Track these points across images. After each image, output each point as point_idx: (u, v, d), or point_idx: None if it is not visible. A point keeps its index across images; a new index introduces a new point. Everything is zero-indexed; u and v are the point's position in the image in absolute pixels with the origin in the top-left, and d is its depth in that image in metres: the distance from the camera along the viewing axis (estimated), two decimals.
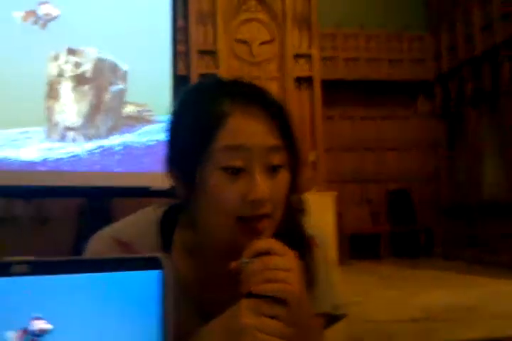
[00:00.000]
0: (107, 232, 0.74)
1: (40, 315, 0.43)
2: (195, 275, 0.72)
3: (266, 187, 0.63)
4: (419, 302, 3.61)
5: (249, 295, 0.59)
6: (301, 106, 6.55)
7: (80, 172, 3.19)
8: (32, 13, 3.22)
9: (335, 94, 7.04)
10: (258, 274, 0.59)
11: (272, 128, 0.66)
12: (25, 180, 2.99)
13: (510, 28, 5.86)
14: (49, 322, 0.43)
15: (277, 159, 0.65)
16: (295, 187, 0.70)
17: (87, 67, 3.42)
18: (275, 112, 0.67)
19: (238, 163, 0.64)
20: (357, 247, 6.51)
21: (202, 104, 0.68)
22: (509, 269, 5.11)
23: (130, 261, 0.46)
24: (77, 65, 3.39)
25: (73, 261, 0.45)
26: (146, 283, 0.45)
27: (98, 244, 0.73)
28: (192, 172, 0.65)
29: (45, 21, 3.25)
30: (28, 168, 3.05)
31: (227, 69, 6.40)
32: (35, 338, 0.42)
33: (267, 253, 0.60)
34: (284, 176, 0.66)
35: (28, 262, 0.44)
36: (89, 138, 3.33)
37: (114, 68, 3.49)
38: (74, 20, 3.35)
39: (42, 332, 0.42)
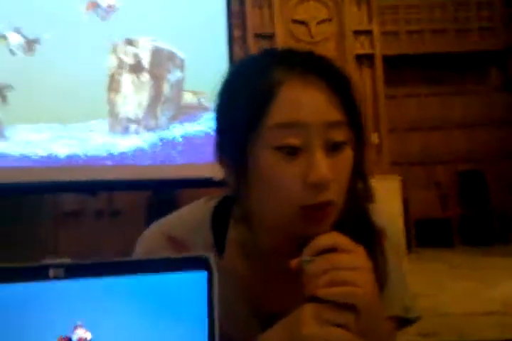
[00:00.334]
0: (158, 228, 0.68)
1: (80, 323, 0.41)
2: (252, 275, 0.65)
3: (327, 167, 0.56)
4: (495, 294, 3.43)
5: (313, 299, 0.51)
6: (362, 86, 6.34)
7: (144, 165, 3.22)
8: (94, 3, 3.24)
9: (398, 71, 6.74)
10: (322, 275, 0.51)
11: (334, 101, 0.58)
12: (92, 175, 3.04)
13: None
14: (89, 329, 0.41)
15: (339, 135, 0.58)
16: (360, 169, 0.61)
17: (145, 57, 3.40)
18: (337, 82, 0.59)
19: (294, 141, 0.56)
20: (425, 234, 6.26)
21: (251, 75, 0.58)
22: None
23: (175, 262, 0.43)
24: (136, 55, 3.38)
25: (113, 263, 0.43)
26: (193, 284, 0.42)
27: (148, 243, 0.67)
28: (242, 154, 0.57)
29: (106, 13, 3.25)
30: (94, 162, 3.10)
31: None
32: None
33: (332, 249, 0.52)
34: (347, 154, 0.59)
35: (64, 265, 0.41)
36: (150, 129, 3.34)
37: (171, 57, 3.46)
38: (129, 11, 3.34)
39: None
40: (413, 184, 6.61)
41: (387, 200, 5.09)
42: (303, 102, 0.56)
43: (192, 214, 0.68)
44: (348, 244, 0.53)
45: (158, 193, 3.52)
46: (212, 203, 0.68)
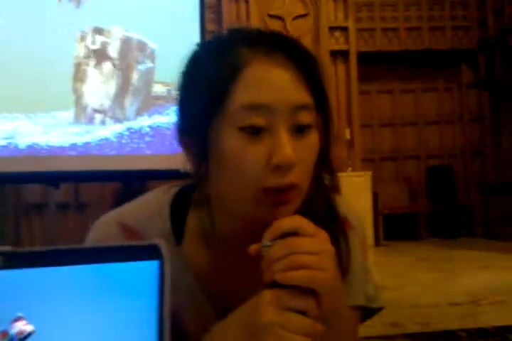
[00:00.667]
0: (112, 217, 0.65)
1: (21, 315, 0.38)
2: (210, 263, 0.63)
3: (292, 149, 0.53)
4: (460, 285, 3.48)
5: (273, 285, 0.49)
6: (336, 82, 6.36)
7: (110, 155, 3.16)
8: None
9: (372, 67, 6.78)
10: (282, 259, 0.48)
11: (301, 82, 0.55)
12: (56, 166, 2.98)
13: None
14: (32, 322, 0.38)
15: (305, 118, 0.55)
16: (325, 154, 0.59)
17: (114, 47, 3.35)
18: (305, 63, 0.56)
19: (259, 122, 0.54)
20: (394, 227, 6.34)
21: (216, 54, 0.56)
22: None
23: (124, 250, 0.41)
24: (104, 44, 3.33)
25: (58, 252, 0.40)
26: (143, 274, 0.40)
27: (101, 231, 0.64)
28: (205, 135, 0.55)
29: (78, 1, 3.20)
30: (58, 153, 3.04)
31: None
32: (17, 337, 0.38)
33: (293, 233, 0.50)
34: (313, 138, 0.56)
35: (4, 254, 0.38)
36: (117, 120, 3.29)
37: (142, 47, 3.42)
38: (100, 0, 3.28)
39: (21, 335, 0.37)
40: (383, 179, 6.67)
41: (358, 195, 5.13)
42: (268, 83, 0.54)
43: (149, 203, 0.66)
44: (310, 228, 0.51)
45: (126, 185, 3.46)
46: (172, 192, 0.66)
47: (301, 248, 0.49)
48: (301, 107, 0.55)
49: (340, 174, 0.65)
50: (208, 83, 0.55)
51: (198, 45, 0.60)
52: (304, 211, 0.56)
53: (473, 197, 6.85)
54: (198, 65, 0.58)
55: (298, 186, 0.55)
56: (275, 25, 6.48)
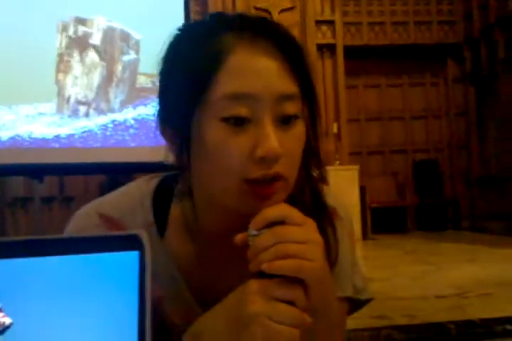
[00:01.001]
0: (92, 207, 0.63)
1: (0, 306, 0.37)
2: (194, 254, 0.61)
3: (278, 141, 0.51)
4: (448, 278, 3.50)
5: (259, 274, 0.47)
6: (323, 76, 6.36)
7: (94, 148, 3.12)
8: None
9: (359, 61, 6.79)
10: (269, 249, 0.47)
11: (286, 71, 0.53)
12: (39, 158, 2.92)
13: None
14: (9, 314, 0.37)
15: (292, 108, 0.53)
16: (313, 144, 0.57)
17: (97, 37, 3.29)
18: (291, 51, 0.54)
19: (243, 112, 0.51)
20: (382, 221, 6.38)
21: (198, 40, 0.53)
22: None
23: (104, 241, 0.40)
24: (87, 34, 3.26)
25: (37, 242, 0.39)
26: (123, 265, 0.39)
27: (81, 221, 0.62)
28: (187, 125, 0.53)
29: None
30: (41, 145, 2.98)
31: None
32: None
33: (280, 222, 0.48)
34: (299, 128, 0.54)
35: None
36: (102, 112, 3.24)
37: (125, 37, 3.36)
38: None
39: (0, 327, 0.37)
40: (372, 173, 6.71)
41: (345, 188, 5.14)
42: (252, 72, 0.52)
43: (131, 193, 0.64)
44: (298, 217, 0.49)
45: (112, 178, 3.42)
46: (154, 182, 0.65)
47: (289, 237, 0.48)
48: (286, 97, 0.53)
49: (327, 168, 0.63)
50: (189, 71, 0.53)
51: (179, 29, 0.57)
52: (291, 202, 0.54)
53: (460, 191, 6.92)
54: (179, 51, 0.56)
55: (284, 177, 0.53)
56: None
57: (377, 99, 7.07)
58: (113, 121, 3.23)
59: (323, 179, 0.61)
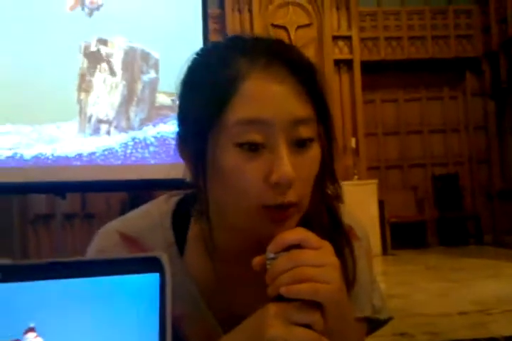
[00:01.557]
0: (113, 226, 0.65)
1: (33, 326, 0.39)
2: (212, 274, 0.62)
3: (292, 166, 0.52)
4: (470, 294, 3.44)
5: (278, 298, 0.48)
6: (340, 91, 6.37)
7: (115, 165, 3.16)
8: (78, 1, 3.20)
9: (376, 75, 6.79)
10: (287, 273, 0.48)
11: (301, 95, 0.54)
12: (61, 176, 2.98)
13: None
14: (39, 334, 0.39)
15: (306, 132, 0.54)
16: (328, 166, 0.57)
17: (118, 57, 3.36)
18: (305, 75, 0.55)
19: (257, 138, 0.52)
20: (401, 236, 6.29)
21: (214, 66, 0.55)
22: None
23: (124, 263, 0.41)
24: (108, 55, 3.34)
25: (59, 264, 0.40)
26: (144, 287, 0.40)
27: (102, 240, 0.64)
28: (203, 148, 0.54)
29: (90, 10, 3.22)
30: (63, 163, 3.04)
31: None
32: None
33: (297, 246, 0.49)
34: (314, 151, 0.55)
35: (3, 267, 0.39)
36: (122, 130, 3.29)
37: (145, 57, 3.43)
38: (104, 11, 3.30)
39: None
40: (391, 187, 6.64)
41: (364, 203, 5.10)
42: (266, 98, 0.53)
43: (151, 212, 0.65)
44: (315, 240, 0.50)
45: (133, 195, 3.46)
46: (173, 201, 0.66)
47: (306, 260, 0.48)
48: (300, 121, 0.53)
49: (346, 182, 0.64)
50: (205, 96, 0.54)
51: (197, 53, 0.59)
52: (308, 222, 0.56)
53: (480, 205, 6.81)
54: (196, 76, 0.57)
55: (297, 203, 0.54)
56: (279, 35, 6.51)
57: (394, 113, 7.05)
58: (133, 139, 3.28)
59: (338, 198, 0.61)
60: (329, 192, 0.60)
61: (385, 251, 5.60)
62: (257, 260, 0.51)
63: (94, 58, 3.30)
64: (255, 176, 0.53)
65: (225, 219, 0.58)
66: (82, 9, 3.20)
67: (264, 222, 0.54)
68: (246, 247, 0.57)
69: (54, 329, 0.39)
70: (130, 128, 3.31)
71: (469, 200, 6.86)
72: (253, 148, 0.53)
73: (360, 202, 4.77)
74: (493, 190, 6.75)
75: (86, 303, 0.39)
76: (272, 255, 0.50)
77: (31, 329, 0.38)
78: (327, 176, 0.59)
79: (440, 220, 6.64)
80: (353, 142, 6.10)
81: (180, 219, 0.64)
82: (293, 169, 0.52)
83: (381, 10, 6.91)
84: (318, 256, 0.49)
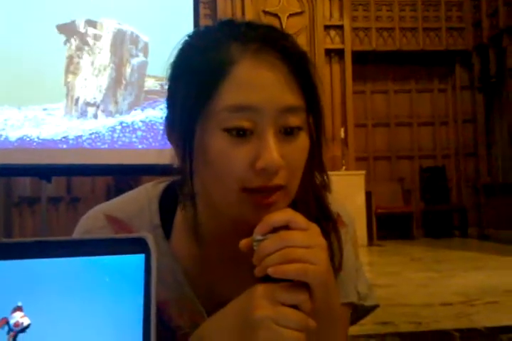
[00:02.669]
0: (100, 209, 0.64)
1: (21, 305, 0.38)
2: (198, 257, 0.62)
3: (279, 153, 0.52)
4: (453, 285, 3.47)
5: (265, 279, 0.47)
6: (331, 81, 6.36)
7: (102, 149, 3.12)
8: None
9: (367, 66, 6.79)
10: (275, 253, 0.48)
11: (291, 83, 0.53)
12: (46, 159, 2.93)
13: None
14: (26, 314, 0.39)
15: (295, 120, 0.54)
16: (316, 155, 0.57)
17: (107, 39, 3.30)
18: (297, 62, 0.54)
19: (245, 124, 0.52)
20: (387, 227, 6.35)
21: (205, 49, 0.54)
22: None
23: (111, 243, 0.41)
24: (97, 37, 3.27)
25: (46, 243, 0.40)
26: (129, 267, 0.40)
27: (89, 223, 0.63)
28: (190, 132, 0.54)
29: None
30: (49, 145, 2.98)
31: None
32: (15, 329, 0.38)
33: (285, 227, 0.49)
34: (302, 140, 0.55)
35: None
36: (110, 114, 3.24)
37: (134, 40, 3.37)
38: None
39: (17, 328, 0.38)
40: (378, 178, 6.69)
41: (351, 194, 5.12)
42: (256, 84, 0.52)
43: (138, 197, 0.65)
44: (302, 221, 0.50)
45: (118, 179, 3.42)
46: (161, 186, 0.66)
47: (294, 241, 0.48)
48: (289, 109, 0.53)
49: (333, 173, 0.63)
50: (195, 80, 0.53)
51: (188, 35, 0.58)
52: (295, 208, 0.54)
53: (467, 198, 6.89)
54: (186, 58, 0.56)
55: (284, 187, 0.54)
56: (271, 22, 6.36)
57: (384, 105, 7.07)
58: (121, 123, 3.23)
59: (326, 186, 0.61)
60: (317, 181, 0.60)
61: (370, 241, 5.64)
62: (243, 242, 0.50)
63: (82, 40, 3.23)
64: (241, 161, 0.52)
65: (211, 203, 0.58)
66: None
67: (247, 207, 0.53)
68: (232, 231, 0.56)
69: (39, 309, 0.38)
70: (118, 112, 3.26)
71: (455, 193, 6.94)
72: (241, 134, 0.52)
73: (347, 193, 4.78)
74: (479, 184, 6.82)
75: (71, 283, 0.39)
76: (259, 237, 0.49)
77: (19, 308, 0.38)
78: (315, 165, 0.59)
79: (426, 212, 6.71)
80: (342, 132, 6.11)
81: (167, 204, 0.64)
82: (280, 156, 0.52)
83: (373, 0, 6.88)
84: (306, 237, 0.48)
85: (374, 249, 5.53)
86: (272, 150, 0.51)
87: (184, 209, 0.62)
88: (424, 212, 6.72)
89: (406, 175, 6.93)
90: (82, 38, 3.23)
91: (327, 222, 0.61)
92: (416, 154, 7.06)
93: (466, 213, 6.76)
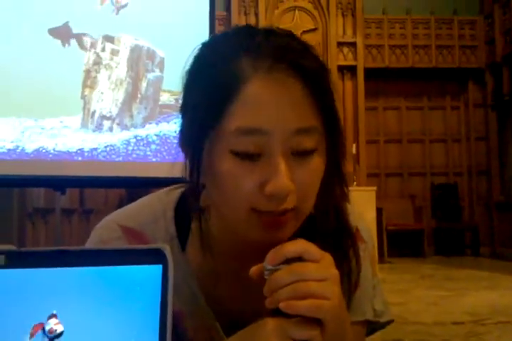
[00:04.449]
0: (113, 219, 0.63)
1: (55, 312, 0.39)
2: (212, 269, 0.61)
3: (289, 177, 0.50)
4: (464, 304, 3.43)
5: (276, 311, 0.47)
6: (343, 97, 6.39)
7: (116, 162, 3.15)
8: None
9: (379, 83, 6.81)
10: (287, 287, 0.46)
11: (305, 102, 0.50)
12: (61, 170, 2.97)
13: None
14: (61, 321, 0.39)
15: (308, 142, 0.51)
16: (335, 173, 0.55)
17: (124, 54, 3.36)
18: (313, 79, 0.51)
19: (253, 148, 0.50)
20: (398, 244, 6.29)
21: (217, 60, 0.51)
22: None
23: (128, 254, 0.40)
24: (114, 52, 3.34)
25: (62, 253, 0.40)
26: (146, 278, 0.40)
27: (103, 233, 0.62)
28: (199, 149, 0.52)
29: (117, 8, 3.24)
30: (64, 157, 3.03)
31: None
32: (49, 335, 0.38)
33: (298, 258, 0.47)
34: (316, 161, 0.52)
35: (7, 253, 0.38)
36: (125, 127, 3.29)
37: (151, 55, 3.43)
38: (112, 8, 3.31)
39: (51, 334, 0.38)
40: (390, 195, 6.65)
41: (362, 210, 5.06)
42: (267, 106, 0.49)
43: (152, 205, 0.63)
44: (316, 253, 0.48)
45: (131, 192, 3.44)
46: (176, 193, 0.64)
47: (306, 275, 0.47)
48: (302, 131, 0.50)
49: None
50: (205, 94, 0.51)
51: (203, 43, 0.55)
52: (313, 223, 0.55)
53: (479, 216, 6.82)
54: (199, 68, 0.54)
55: (295, 209, 0.52)
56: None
57: (396, 121, 7.06)
58: (135, 137, 3.27)
59: (345, 197, 0.59)
60: (337, 191, 0.58)
61: (381, 258, 5.59)
62: (254, 270, 0.49)
63: (99, 55, 3.30)
64: (250, 184, 0.50)
65: (223, 217, 0.57)
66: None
67: (257, 226, 0.52)
68: (244, 245, 0.55)
69: (65, 317, 0.39)
70: (133, 125, 3.30)
71: (467, 211, 6.87)
72: (250, 156, 0.50)
73: (358, 209, 4.76)
74: (491, 202, 6.75)
75: (89, 293, 0.39)
76: (270, 266, 0.48)
77: (54, 316, 0.38)
78: (335, 177, 0.56)
79: (437, 230, 6.63)
80: (353, 148, 6.10)
81: (182, 213, 0.62)
82: (291, 180, 0.50)
83: (387, 18, 6.93)
84: (319, 270, 0.47)
85: (384, 266, 5.47)
86: (282, 176, 0.49)
87: (198, 219, 0.60)
88: (436, 230, 6.64)
89: (417, 192, 6.89)
90: (100, 52, 3.30)
91: (346, 237, 0.59)
92: (428, 171, 7.02)
93: (477, 231, 6.67)
